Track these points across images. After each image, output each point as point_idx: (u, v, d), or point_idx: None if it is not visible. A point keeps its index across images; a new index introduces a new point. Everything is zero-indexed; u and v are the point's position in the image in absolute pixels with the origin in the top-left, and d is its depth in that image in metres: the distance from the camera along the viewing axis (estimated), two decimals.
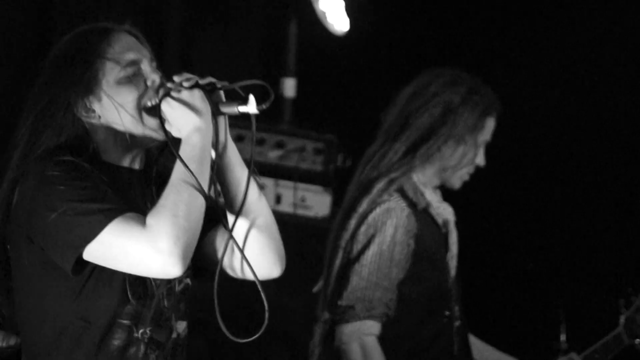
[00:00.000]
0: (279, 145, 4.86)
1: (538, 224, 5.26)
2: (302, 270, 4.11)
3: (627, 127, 5.15)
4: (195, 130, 2.25)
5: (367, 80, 5.47)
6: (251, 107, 2.24)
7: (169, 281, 2.35)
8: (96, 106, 2.33)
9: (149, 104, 2.33)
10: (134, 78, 2.34)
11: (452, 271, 3.53)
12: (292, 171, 4.83)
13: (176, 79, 2.31)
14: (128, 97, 2.33)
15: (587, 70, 5.19)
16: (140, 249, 2.16)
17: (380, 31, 5.43)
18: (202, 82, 2.29)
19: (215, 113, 2.27)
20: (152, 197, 2.38)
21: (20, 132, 2.34)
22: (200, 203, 2.21)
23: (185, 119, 2.25)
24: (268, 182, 4.72)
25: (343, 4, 5.03)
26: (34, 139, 2.32)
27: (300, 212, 4.83)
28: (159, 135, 2.32)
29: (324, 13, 5.14)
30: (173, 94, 2.27)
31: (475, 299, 5.16)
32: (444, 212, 3.53)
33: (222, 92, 2.32)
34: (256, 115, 2.28)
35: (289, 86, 5.15)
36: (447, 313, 3.46)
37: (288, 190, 4.83)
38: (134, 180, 2.38)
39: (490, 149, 3.61)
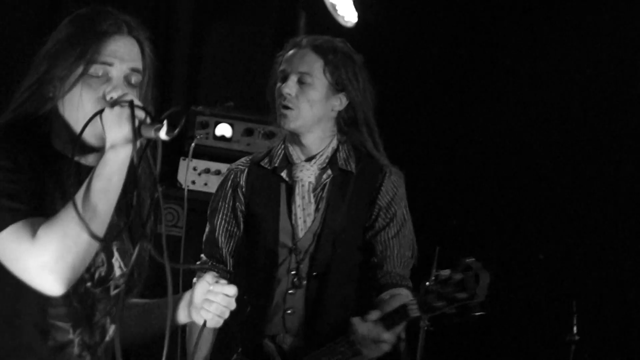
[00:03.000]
0: None
1: (549, 214, 5.25)
2: None
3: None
4: (112, 147, 2.20)
5: (376, 71, 5.45)
6: (162, 133, 2.23)
7: (104, 284, 2.33)
8: (63, 93, 2.30)
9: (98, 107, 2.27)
10: (97, 80, 2.30)
11: None
12: None
13: (114, 94, 2.27)
14: (85, 95, 2.28)
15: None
16: (25, 259, 2.12)
17: (390, 22, 5.42)
18: (124, 99, 2.25)
19: (137, 134, 2.22)
20: None
21: (15, 96, 2.33)
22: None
23: (110, 135, 2.21)
24: None
25: None
26: (17, 105, 2.31)
27: None
28: (95, 143, 2.29)
29: (333, 5, 5.14)
30: (107, 108, 2.23)
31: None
32: None
33: (148, 115, 2.25)
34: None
35: None
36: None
37: None
38: (77, 175, 2.32)
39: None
